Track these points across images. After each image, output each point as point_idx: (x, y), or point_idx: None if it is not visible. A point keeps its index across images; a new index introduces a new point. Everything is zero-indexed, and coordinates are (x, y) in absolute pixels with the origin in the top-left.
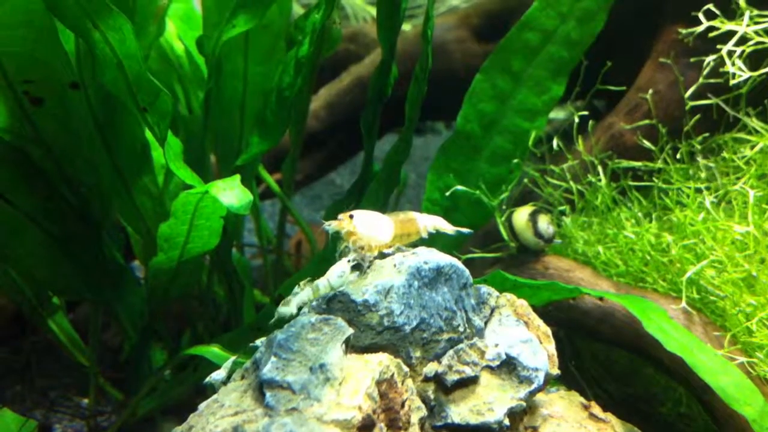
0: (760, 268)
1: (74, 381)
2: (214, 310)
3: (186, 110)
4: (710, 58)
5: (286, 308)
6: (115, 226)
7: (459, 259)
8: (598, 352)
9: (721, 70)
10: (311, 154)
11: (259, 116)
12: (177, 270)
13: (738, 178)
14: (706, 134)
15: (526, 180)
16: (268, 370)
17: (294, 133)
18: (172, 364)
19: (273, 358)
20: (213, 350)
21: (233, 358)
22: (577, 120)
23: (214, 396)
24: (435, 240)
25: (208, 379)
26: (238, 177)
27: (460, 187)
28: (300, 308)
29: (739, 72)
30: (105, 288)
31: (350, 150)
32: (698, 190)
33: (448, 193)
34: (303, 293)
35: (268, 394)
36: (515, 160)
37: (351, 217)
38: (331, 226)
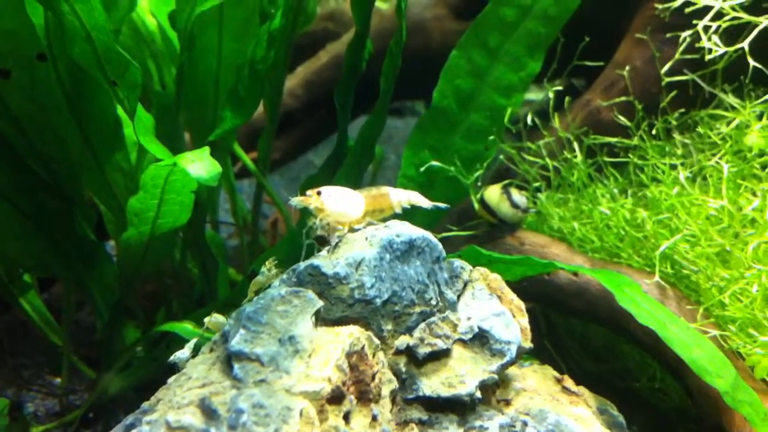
0: (734, 243)
1: (47, 360)
2: (188, 288)
3: (159, 86)
4: (686, 34)
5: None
6: (87, 203)
7: (434, 236)
8: (574, 328)
9: (697, 45)
10: (288, 132)
11: (232, 91)
12: (148, 245)
13: (714, 155)
14: (682, 110)
15: (502, 157)
16: (237, 342)
17: (269, 110)
18: (144, 341)
19: (241, 330)
20: (185, 327)
21: (195, 339)
22: (554, 97)
23: (183, 369)
24: (411, 217)
25: (172, 357)
26: (207, 149)
27: (435, 163)
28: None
29: (714, 47)
30: (77, 265)
31: (328, 129)
32: (673, 166)
33: (422, 169)
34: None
35: (236, 366)
36: (491, 137)
37: (319, 193)
38: (298, 201)
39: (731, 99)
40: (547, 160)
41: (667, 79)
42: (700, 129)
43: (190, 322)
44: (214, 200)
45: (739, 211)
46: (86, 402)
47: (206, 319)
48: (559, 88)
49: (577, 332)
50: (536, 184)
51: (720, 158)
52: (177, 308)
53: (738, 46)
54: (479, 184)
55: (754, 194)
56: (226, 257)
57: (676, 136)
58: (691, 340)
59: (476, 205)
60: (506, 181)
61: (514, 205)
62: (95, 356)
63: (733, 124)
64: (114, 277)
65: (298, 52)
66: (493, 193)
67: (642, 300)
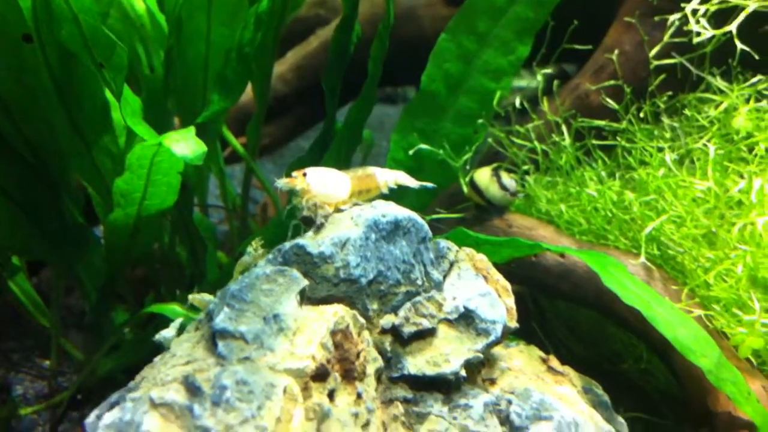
0: (720, 224)
1: (37, 343)
2: (177, 272)
3: (148, 70)
4: (674, 17)
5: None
6: (76, 187)
7: (423, 219)
8: (563, 312)
9: (685, 28)
10: (279, 118)
11: (220, 73)
12: (135, 227)
13: (701, 138)
14: (671, 94)
15: (490, 140)
16: (221, 320)
17: (258, 94)
18: (132, 323)
19: (226, 309)
20: (173, 308)
21: (180, 319)
22: (544, 81)
23: (168, 348)
24: (400, 200)
25: (157, 336)
26: (192, 129)
27: (423, 147)
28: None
29: (702, 30)
30: (65, 248)
31: (320, 115)
32: (660, 149)
33: (411, 152)
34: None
35: (220, 343)
36: (480, 121)
37: (304, 174)
38: (283, 183)
39: (719, 82)
40: (536, 143)
41: (656, 63)
42: (687, 112)
43: (178, 303)
44: (203, 183)
45: (726, 192)
46: (74, 384)
47: (190, 296)
48: (549, 70)
49: (566, 316)
50: (525, 167)
51: (708, 141)
52: (166, 292)
53: (726, 29)
54: (468, 167)
55: (741, 176)
56: (217, 241)
57: (665, 119)
58: (675, 319)
59: (465, 188)
60: (496, 164)
61: (503, 188)
62: (84, 339)
63: (721, 108)
64: (103, 261)
65: (290, 39)
66: (482, 175)
67: (627, 280)
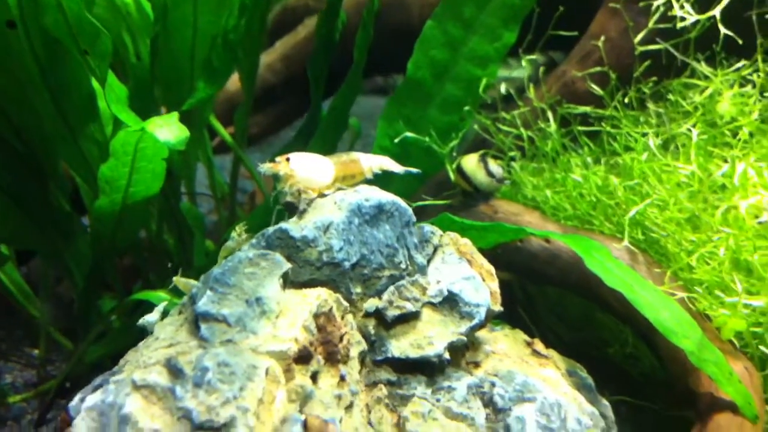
0: (704, 208)
1: (26, 333)
2: (165, 260)
3: (135, 58)
4: (659, 2)
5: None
6: (63, 176)
7: (410, 206)
8: (552, 299)
9: (670, 14)
10: (268, 107)
11: (206, 61)
12: (121, 215)
13: (686, 123)
14: (656, 79)
15: (476, 127)
16: (204, 304)
17: (245, 82)
18: (120, 310)
19: (209, 292)
20: (159, 295)
21: (164, 303)
22: (530, 68)
23: (152, 332)
24: (386, 186)
25: (141, 321)
26: (176, 114)
27: (410, 134)
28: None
29: (687, 15)
30: (53, 236)
31: (308, 104)
32: (644, 134)
33: (397, 140)
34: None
35: (203, 326)
36: (466, 108)
37: (288, 159)
38: (267, 168)
39: (704, 68)
40: (522, 130)
41: (641, 49)
42: (671, 97)
43: (165, 290)
44: (190, 172)
45: (709, 176)
46: (63, 371)
47: (175, 279)
48: (534, 57)
49: (554, 302)
50: (511, 154)
51: (692, 127)
52: (154, 280)
53: (710, 14)
54: (454, 154)
55: (725, 161)
56: (204, 229)
57: (650, 105)
58: (658, 302)
59: (452, 175)
60: (483, 151)
61: (490, 174)
62: (73, 328)
63: (706, 93)
64: (89, 249)
65: (281, 29)
66: (469, 162)
67: (611, 264)
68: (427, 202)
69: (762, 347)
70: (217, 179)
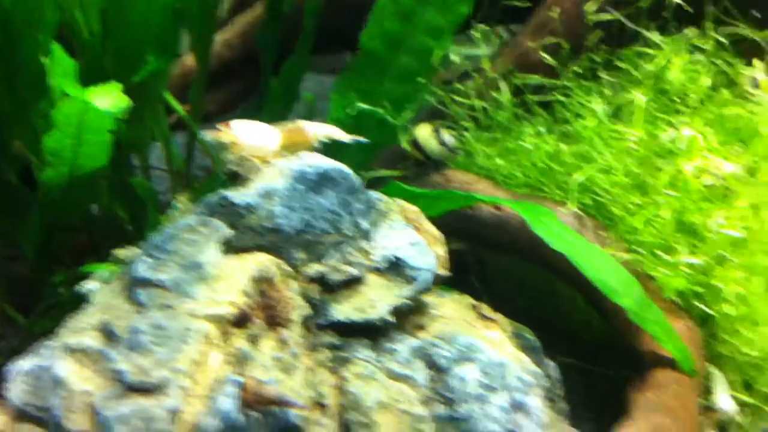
0: (651, 173)
1: None
2: (117, 234)
3: (87, 35)
4: None
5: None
6: (13, 151)
7: (363, 177)
8: (507, 268)
9: None
10: (226, 84)
11: (155, 32)
12: (69, 187)
13: (637, 91)
14: (607, 47)
15: (431, 98)
16: (142, 270)
17: (198, 56)
18: (69, 283)
19: (148, 258)
20: (108, 267)
21: (106, 272)
22: (491, 44)
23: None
24: (339, 158)
25: (80, 287)
26: (118, 85)
27: (363, 105)
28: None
29: None
30: (3, 213)
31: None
32: (593, 102)
33: (350, 110)
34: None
35: (141, 292)
36: (420, 79)
37: (228, 125)
38: (210, 135)
39: (654, 36)
40: (475, 101)
41: (593, 19)
42: (622, 65)
43: (115, 263)
44: (143, 145)
45: (655, 140)
46: (10, 345)
47: (115, 251)
48: (485, 27)
49: (509, 270)
50: (465, 124)
51: (642, 95)
52: (107, 255)
53: None
54: (409, 126)
55: (672, 126)
56: (158, 204)
57: (603, 74)
58: (601, 263)
59: (406, 145)
60: (438, 122)
61: (443, 143)
62: (27, 304)
63: (656, 61)
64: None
65: (243, 7)
66: (423, 131)
67: (556, 227)
68: (380, 173)
69: (702, 305)
70: (173, 154)
